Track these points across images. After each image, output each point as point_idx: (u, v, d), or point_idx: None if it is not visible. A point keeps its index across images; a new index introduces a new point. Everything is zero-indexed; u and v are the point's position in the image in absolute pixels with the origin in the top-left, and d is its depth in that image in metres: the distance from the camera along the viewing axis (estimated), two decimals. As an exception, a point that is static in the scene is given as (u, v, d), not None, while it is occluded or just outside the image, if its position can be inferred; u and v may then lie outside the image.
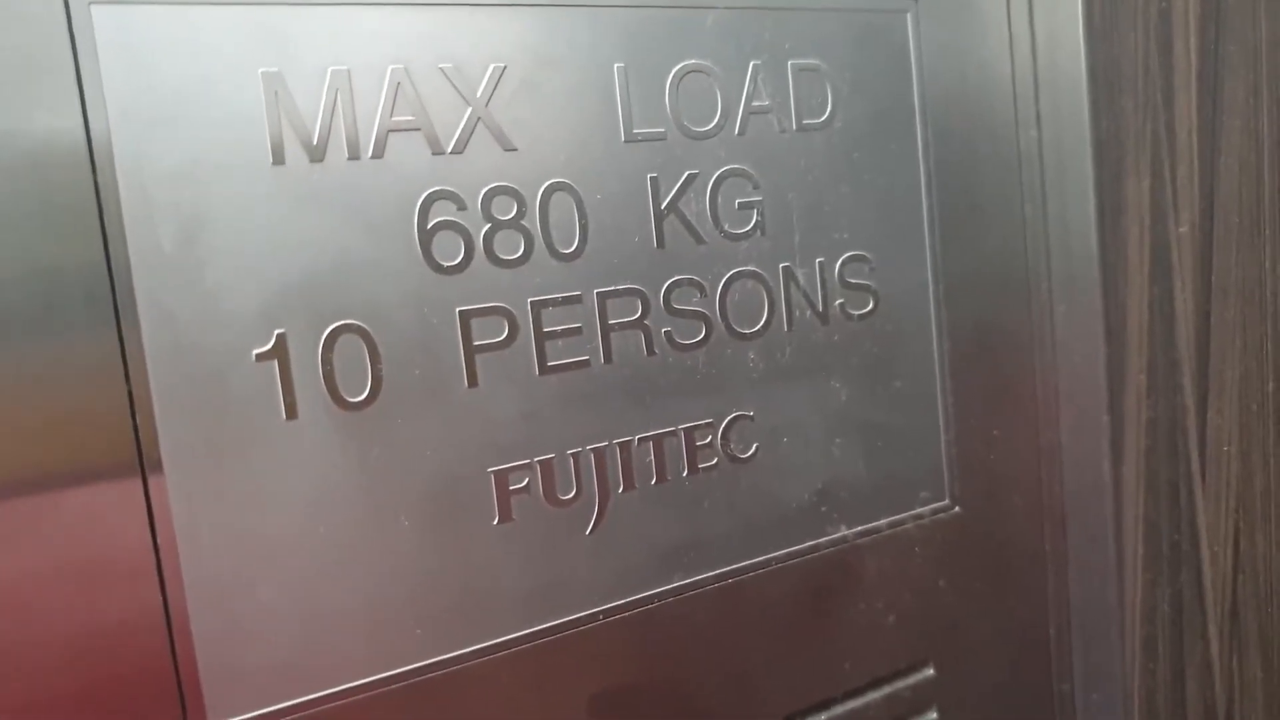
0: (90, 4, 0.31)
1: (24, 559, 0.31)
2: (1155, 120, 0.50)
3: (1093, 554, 0.53)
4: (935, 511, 0.50)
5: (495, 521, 0.39)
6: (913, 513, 0.49)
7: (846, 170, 0.46)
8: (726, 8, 0.42)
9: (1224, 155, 0.51)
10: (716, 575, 0.44)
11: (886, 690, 0.49)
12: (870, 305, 0.47)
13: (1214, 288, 0.52)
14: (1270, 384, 0.54)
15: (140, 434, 0.33)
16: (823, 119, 0.45)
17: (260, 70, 0.34)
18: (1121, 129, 0.50)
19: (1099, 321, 0.50)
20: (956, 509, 0.50)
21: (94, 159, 0.32)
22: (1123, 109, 0.50)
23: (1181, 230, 0.51)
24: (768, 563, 0.45)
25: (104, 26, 0.31)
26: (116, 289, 0.32)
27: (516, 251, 0.38)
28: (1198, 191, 0.51)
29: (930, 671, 0.50)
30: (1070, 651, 0.54)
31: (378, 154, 0.36)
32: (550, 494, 0.40)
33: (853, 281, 0.46)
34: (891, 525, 0.48)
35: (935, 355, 0.49)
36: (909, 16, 0.47)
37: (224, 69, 0.33)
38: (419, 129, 0.36)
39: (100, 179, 0.32)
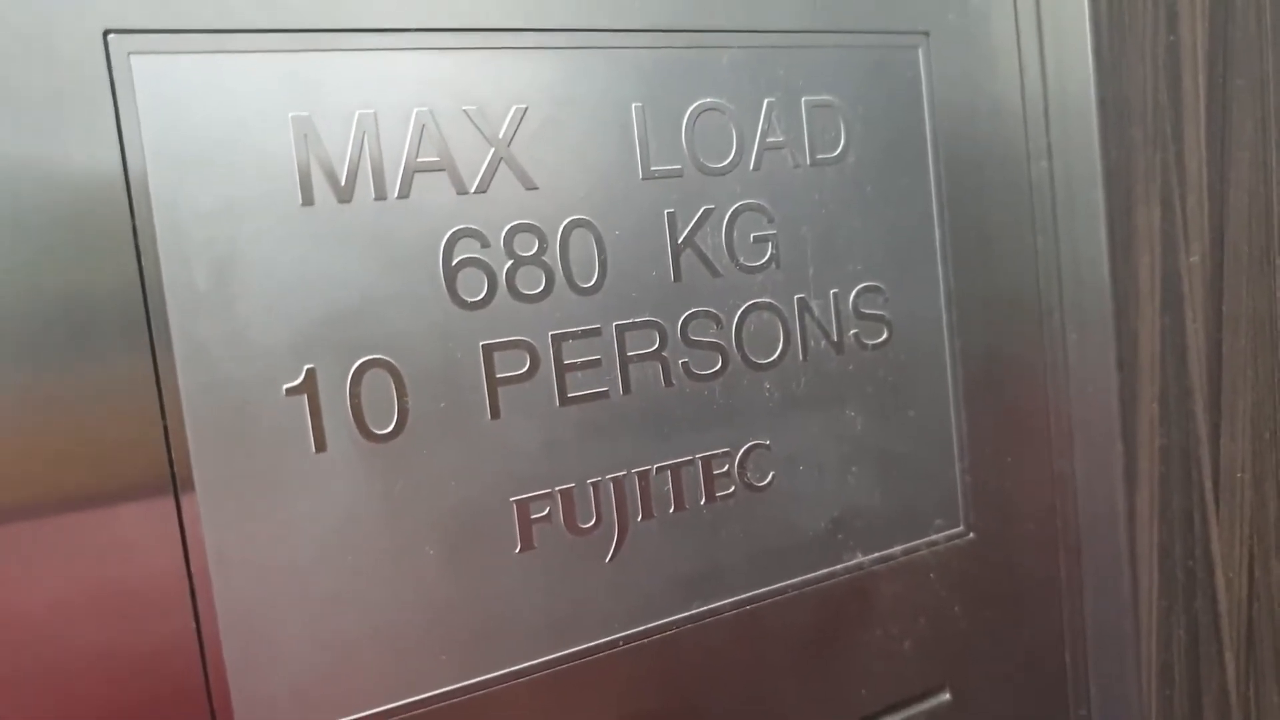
0: (130, 53, 0.32)
1: (62, 586, 0.32)
2: (1165, 151, 0.51)
3: (1107, 581, 0.53)
4: (950, 538, 0.50)
5: (517, 550, 0.39)
6: (927, 539, 0.49)
7: (860, 203, 0.47)
8: (741, 47, 0.43)
9: (1233, 186, 0.52)
10: (734, 602, 0.44)
11: (902, 715, 0.49)
12: (884, 335, 0.48)
13: (1225, 317, 0.53)
14: (1283, 411, 0.54)
15: (175, 465, 0.34)
16: (836, 153, 0.46)
17: (290, 114, 0.35)
18: (1131, 160, 0.50)
19: (1111, 350, 0.51)
20: (971, 536, 0.51)
21: (131, 200, 0.33)
22: (1132, 140, 0.50)
23: (1192, 260, 0.52)
24: (784, 590, 0.45)
25: (142, 74, 0.33)
26: (152, 324, 0.33)
27: (538, 287, 0.39)
28: (1207, 222, 0.52)
29: (946, 697, 0.50)
30: (1086, 678, 0.54)
31: (404, 194, 0.37)
32: (571, 523, 0.40)
33: (866, 312, 0.47)
34: (906, 552, 0.49)
35: (949, 384, 0.50)
36: (920, 52, 0.48)
37: (255, 113, 0.34)
38: (443, 169, 0.37)
39: (137, 219, 0.33)
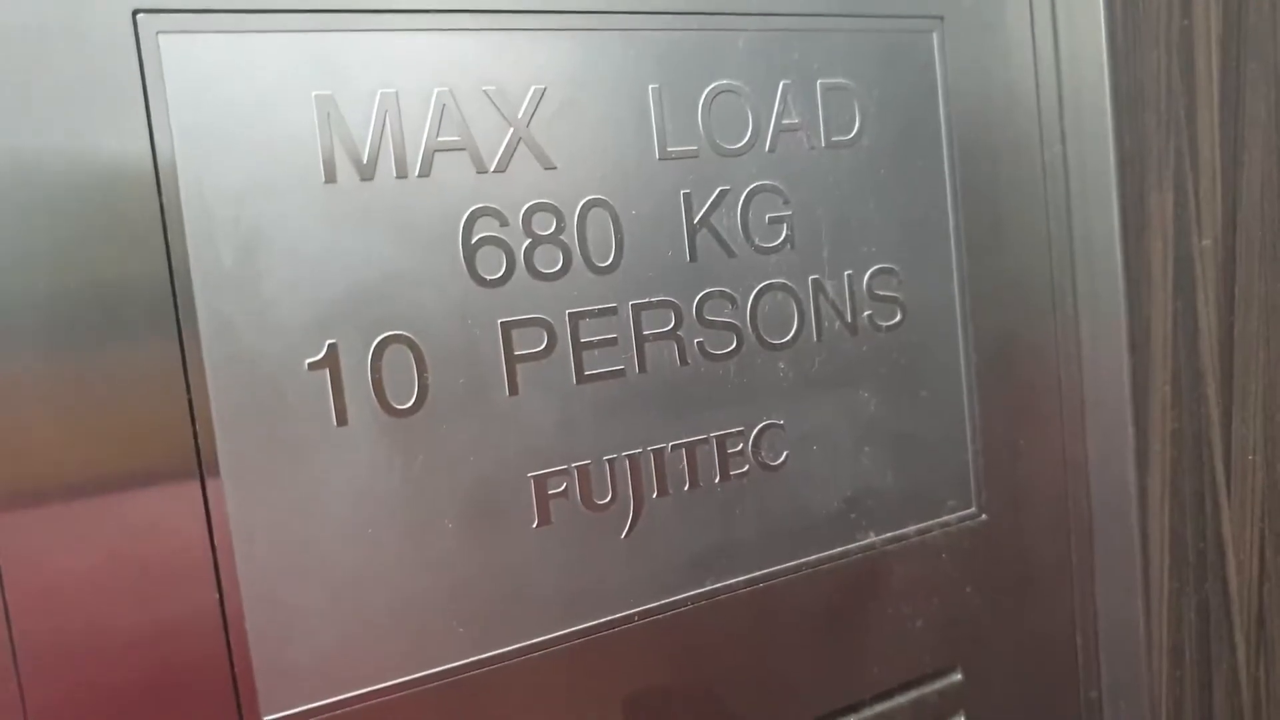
0: (158, 33, 0.33)
1: (90, 560, 0.33)
2: (1178, 136, 0.51)
3: (1119, 563, 0.53)
4: (962, 520, 0.51)
5: (534, 525, 0.40)
6: (940, 520, 0.50)
7: (874, 186, 0.47)
8: (757, 30, 0.44)
9: (1246, 170, 0.52)
10: (747, 580, 0.45)
11: (914, 694, 0.50)
12: (898, 317, 0.48)
13: (1237, 300, 0.53)
14: (1295, 395, 0.55)
15: (199, 439, 0.34)
16: (851, 136, 0.46)
17: (313, 94, 0.35)
18: (1144, 145, 0.51)
19: (1123, 334, 0.51)
20: (983, 517, 0.51)
21: (159, 178, 0.33)
22: (1146, 125, 0.51)
23: (1204, 244, 0.52)
24: (798, 568, 0.46)
25: (170, 53, 0.33)
26: (179, 301, 0.34)
27: (555, 265, 0.40)
28: (1220, 206, 0.52)
29: (957, 677, 0.51)
30: (1097, 659, 0.55)
31: (424, 173, 0.37)
32: (587, 499, 0.41)
33: (880, 294, 0.47)
34: (919, 533, 0.49)
35: (962, 366, 0.50)
36: (934, 36, 0.48)
37: (280, 93, 0.35)
38: (463, 149, 0.38)
39: (165, 197, 0.33)
